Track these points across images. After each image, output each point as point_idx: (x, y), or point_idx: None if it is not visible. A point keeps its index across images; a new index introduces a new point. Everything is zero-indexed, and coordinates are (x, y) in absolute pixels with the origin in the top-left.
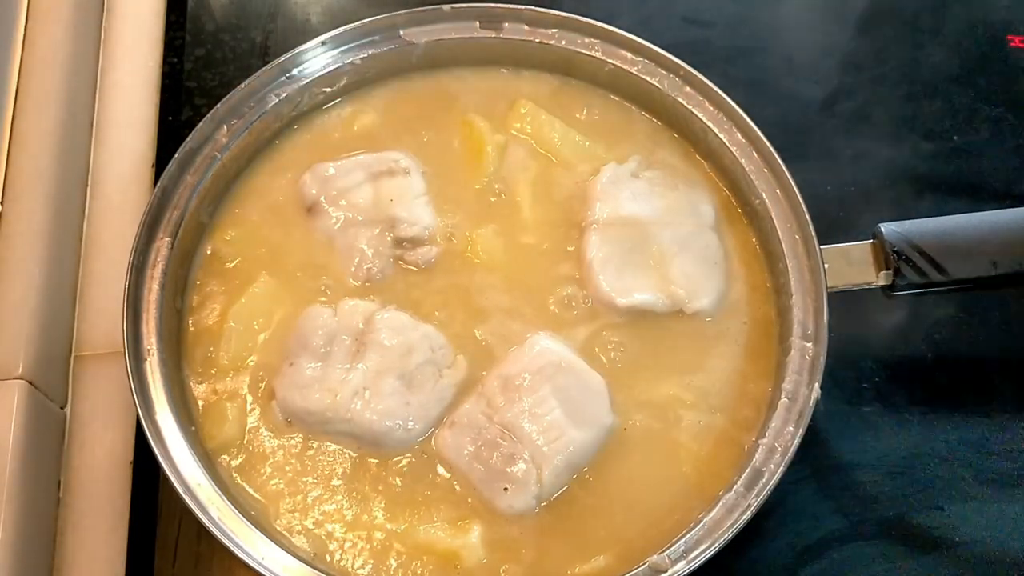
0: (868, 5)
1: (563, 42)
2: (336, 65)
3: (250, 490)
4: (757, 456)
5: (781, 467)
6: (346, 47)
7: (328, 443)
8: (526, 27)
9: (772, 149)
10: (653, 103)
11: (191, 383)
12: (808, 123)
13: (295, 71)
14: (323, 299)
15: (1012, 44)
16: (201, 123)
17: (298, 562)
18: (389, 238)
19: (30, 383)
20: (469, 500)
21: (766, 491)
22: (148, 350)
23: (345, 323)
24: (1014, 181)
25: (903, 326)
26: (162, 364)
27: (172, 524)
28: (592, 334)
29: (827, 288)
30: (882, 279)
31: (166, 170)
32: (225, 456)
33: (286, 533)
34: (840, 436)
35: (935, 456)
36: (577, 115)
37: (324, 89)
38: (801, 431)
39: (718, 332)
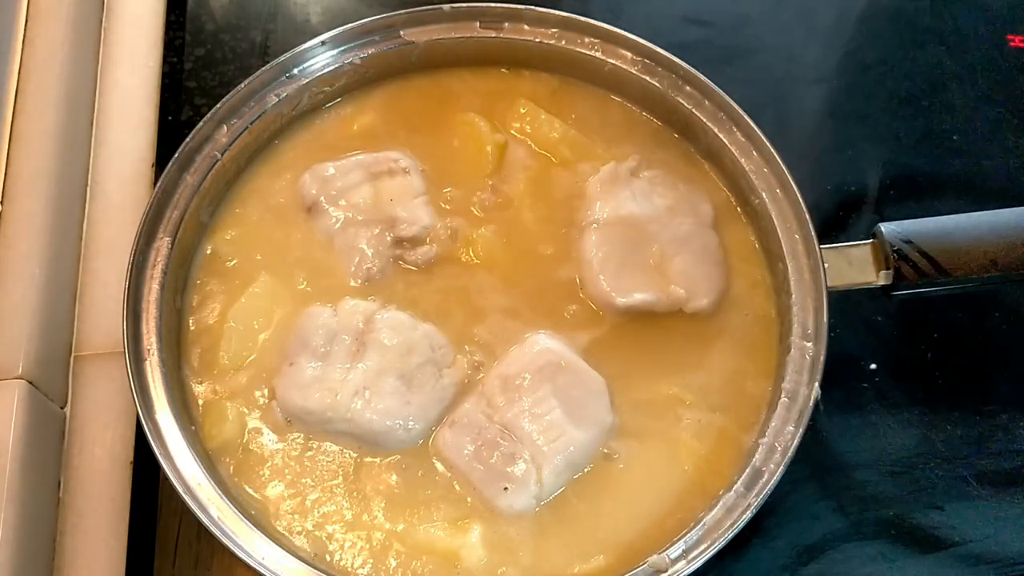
0: (868, 5)
1: (563, 42)
2: (336, 65)
3: (250, 490)
4: (757, 456)
5: (781, 467)
6: (346, 47)
7: (328, 443)
8: (526, 27)
9: (772, 149)
10: (653, 103)
11: (191, 383)
12: (808, 123)
13: (295, 71)
14: (323, 299)
15: (1012, 44)
16: (201, 123)
17: (298, 562)
18: (389, 238)
19: (30, 383)
20: (469, 500)
21: (766, 491)
22: (148, 350)
23: (345, 323)
24: (1014, 181)
25: (903, 326)
26: (162, 364)
27: (172, 524)
28: (592, 333)
29: (827, 288)
30: (882, 279)
31: (166, 170)
32: (225, 456)
33: (286, 533)
34: (840, 436)
35: (935, 456)
36: (577, 115)
37: (324, 89)
38: (801, 431)
39: (718, 332)
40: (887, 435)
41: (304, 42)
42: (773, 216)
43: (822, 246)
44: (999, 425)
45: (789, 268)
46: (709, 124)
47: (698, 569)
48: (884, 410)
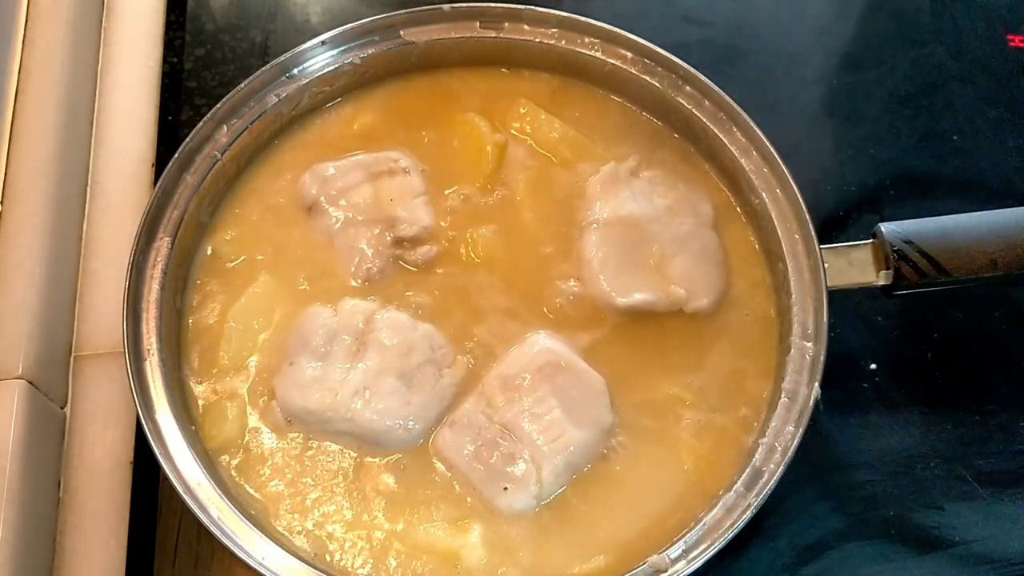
0: (868, 5)
1: (563, 42)
2: (336, 65)
3: (250, 490)
4: (757, 456)
5: (781, 467)
6: (346, 47)
7: (328, 443)
8: (526, 27)
9: (772, 149)
10: (653, 103)
11: (191, 383)
12: (808, 123)
13: (295, 71)
14: (323, 299)
15: (1012, 44)
16: (201, 123)
17: (298, 562)
18: (389, 238)
19: (30, 383)
20: (469, 500)
21: (766, 491)
22: (148, 350)
23: (345, 323)
24: (1014, 181)
25: (903, 326)
26: (162, 364)
27: (172, 524)
28: (592, 333)
29: (827, 288)
30: (882, 279)
31: (166, 170)
32: (225, 456)
33: (286, 533)
34: (840, 436)
35: (935, 456)
36: (577, 115)
37: (324, 89)
38: (801, 431)
39: (718, 332)
40: (887, 435)
41: (304, 42)
42: (773, 216)
43: (822, 246)
44: (999, 425)
45: (789, 268)
46: (709, 124)
47: (698, 569)
48: (884, 410)
